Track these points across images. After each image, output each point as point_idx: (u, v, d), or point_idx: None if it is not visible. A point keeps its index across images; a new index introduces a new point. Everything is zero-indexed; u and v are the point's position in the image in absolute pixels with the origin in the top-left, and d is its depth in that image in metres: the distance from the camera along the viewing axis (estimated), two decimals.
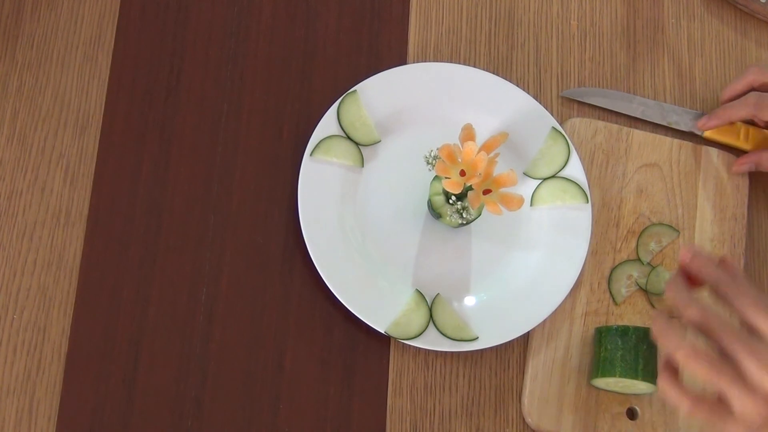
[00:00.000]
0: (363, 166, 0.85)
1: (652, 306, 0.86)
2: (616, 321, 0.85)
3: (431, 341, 0.81)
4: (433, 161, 0.79)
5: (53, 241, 0.80)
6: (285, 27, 0.89)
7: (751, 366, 0.64)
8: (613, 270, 0.87)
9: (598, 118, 0.91)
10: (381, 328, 0.80)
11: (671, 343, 0.67)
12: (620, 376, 0.79)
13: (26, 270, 0.79)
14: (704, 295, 0.70)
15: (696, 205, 0.90)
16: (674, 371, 0.69)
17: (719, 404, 0.66)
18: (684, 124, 0.92)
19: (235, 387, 0.79)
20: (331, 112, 0.85)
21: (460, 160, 0.77)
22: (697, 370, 0.65)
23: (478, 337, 0.81)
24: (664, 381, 0.68)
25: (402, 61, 0.90)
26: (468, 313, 0.83)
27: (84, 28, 0.86)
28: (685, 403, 0.67)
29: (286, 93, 0.87)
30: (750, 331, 0.66)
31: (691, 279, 0.70)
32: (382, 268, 0.83)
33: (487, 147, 0.78)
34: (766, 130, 0.92)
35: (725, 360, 0.65)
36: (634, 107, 0.92)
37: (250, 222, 0.83)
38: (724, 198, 0.90)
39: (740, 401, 0.64)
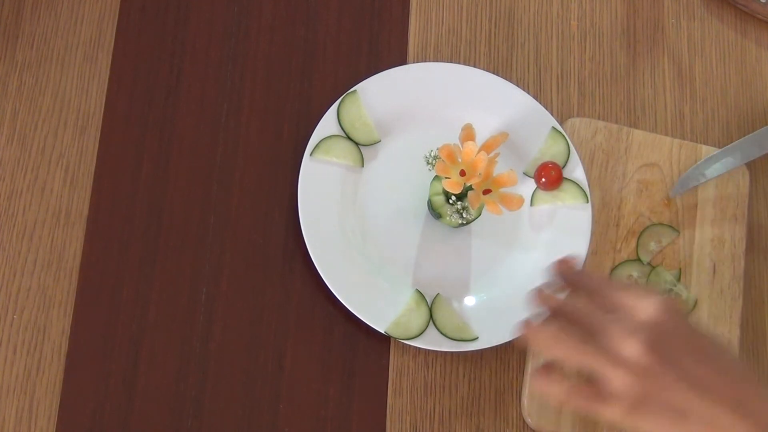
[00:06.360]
0: (363, 166, 0.85)
1: None
2: None
3: (431, 341, 0.81)
4: (433, 161, 0.79)
5: (53, 241, 0.80)
6: (285, 27, 0.89)
7: (611, 337, 0.63)
8: (613, 270, 0.87)
9: (598, 118, 0.91)
10: (381, 328, 0.80)
11: (537, 341, 0.66)
12: None
13: (26, 270, 0.79)
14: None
15: (696, 204, 0.90)
16: (545, 370, 0.67)
17: (593, 388, 0.63)
18: None
19: (235, 387, 0.79)
20: (331, 112, 0.85)
21: (460, 160, 0.77)
22: (561, 353, 0.64)
23: (478, 337, 0.81)
24: (535, 379, 0.67)
25: (402, 61, 0.90)
26: (468, 313, 0.83)
27: (84, 28, 0.86)
28: (560, 394, 0.65)
29: (286, 93, 0.87)
30: (607, 311, 0.66)
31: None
32: (382, 268, 0.83)
33: (487, 147, 0.78)
34: None
35: (587, 339, 0.64)
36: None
37: (250, 222, 0.83)
38: (724, 198, 0.90)
39: (609, 375, 0.62)
